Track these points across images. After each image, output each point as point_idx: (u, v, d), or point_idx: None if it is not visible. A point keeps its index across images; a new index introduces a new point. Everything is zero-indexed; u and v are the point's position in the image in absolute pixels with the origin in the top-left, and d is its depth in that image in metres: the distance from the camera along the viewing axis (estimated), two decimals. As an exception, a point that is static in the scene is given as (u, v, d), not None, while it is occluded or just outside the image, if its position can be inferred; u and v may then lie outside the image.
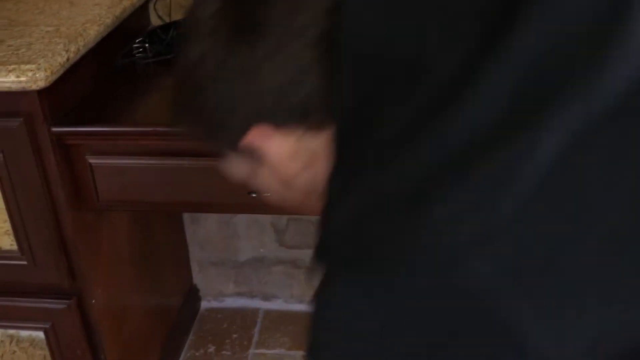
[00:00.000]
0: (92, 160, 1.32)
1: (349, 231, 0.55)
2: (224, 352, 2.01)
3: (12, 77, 1.20)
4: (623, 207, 0.50)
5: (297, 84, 0.58)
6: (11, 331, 1.52)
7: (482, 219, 0.50)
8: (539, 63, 0.49)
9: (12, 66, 1.20)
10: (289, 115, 0.60)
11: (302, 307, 2.06)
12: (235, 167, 0.70)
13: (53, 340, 1.49)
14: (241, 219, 1.95)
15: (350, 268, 0.54)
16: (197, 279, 2.17)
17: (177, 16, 1.66)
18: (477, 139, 0.50)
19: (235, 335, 2.06)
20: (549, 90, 0.49)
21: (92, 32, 1.35)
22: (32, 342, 1.52)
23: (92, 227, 1.46)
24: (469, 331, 0.51)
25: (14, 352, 1.54)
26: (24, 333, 1.52)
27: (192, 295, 2.17)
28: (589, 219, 0.50)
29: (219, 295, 2.17)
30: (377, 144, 0.54)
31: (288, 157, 0.62)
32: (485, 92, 0.50)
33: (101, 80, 1.46)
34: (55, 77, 1.23)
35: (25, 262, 1.39)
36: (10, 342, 1.53)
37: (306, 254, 1.97)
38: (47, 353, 1.52)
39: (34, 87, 1.21)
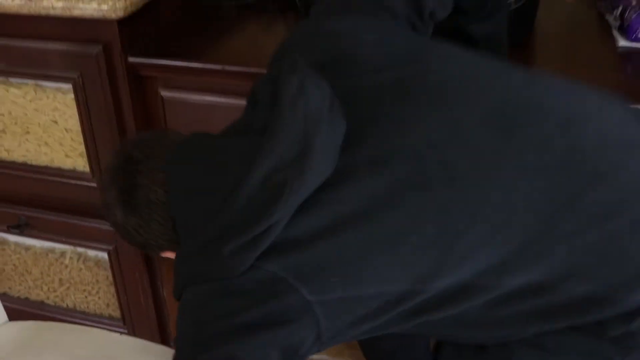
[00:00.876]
0: (165, 94, 1.36)
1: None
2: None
3: (94, 5, 1.24)
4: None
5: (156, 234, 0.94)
6: (80, 250, 1.60)
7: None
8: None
9: (95, -6, 1.25)
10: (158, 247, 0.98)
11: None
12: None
13: (115, 262, 1.56)
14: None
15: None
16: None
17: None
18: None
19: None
20: None
21: (176, -32, 1.38)
22: (97, 262, 1.60)
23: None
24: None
25: (81, 269, 1.63)
26: (91, 253, 1.60)
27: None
28: None
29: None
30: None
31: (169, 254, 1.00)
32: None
33: (183, 16, 1.49)
34: (134, 8, 1.27)
35: (95, 184, 1.46)
36: (78, 260, 1.62)
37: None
38: (110, 274, 1.60)
39: (114, 16, 1.25)
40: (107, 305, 1.66)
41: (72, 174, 1.48)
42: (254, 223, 0.81)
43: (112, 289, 1.62)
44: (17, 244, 1.66)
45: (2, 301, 1.34)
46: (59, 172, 1.49)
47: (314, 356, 0.94)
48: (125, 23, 1.30)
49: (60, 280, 1.67)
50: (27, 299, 1.74)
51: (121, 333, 1.55)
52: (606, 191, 0.85)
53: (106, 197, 0.96)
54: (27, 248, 1.65)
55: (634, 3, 1.26)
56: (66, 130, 1.43)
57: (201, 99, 1.36)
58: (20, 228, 1.59)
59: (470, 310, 0.88)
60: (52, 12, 1.27)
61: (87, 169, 1.46)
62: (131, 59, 1.33)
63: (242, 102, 1.32)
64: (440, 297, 0.86)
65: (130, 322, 1.66)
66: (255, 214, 0.82)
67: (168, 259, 1.01)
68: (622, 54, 1.27)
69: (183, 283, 0.91)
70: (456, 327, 0.95)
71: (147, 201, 0.92)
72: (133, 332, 1.67)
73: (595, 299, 0.86)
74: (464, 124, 0.87)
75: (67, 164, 1.48)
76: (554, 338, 0.94)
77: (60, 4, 1.26)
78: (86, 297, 1.67)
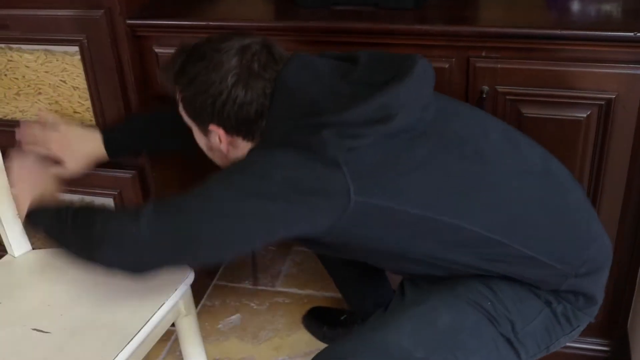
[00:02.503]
0: (158, 50, 1.58)
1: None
2: (269, 247, 2.26)
3: (96, -27, 1.46)
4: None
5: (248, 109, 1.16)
6: (87, 199, 1.80)
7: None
8: None
9: (97, -37, 1.46)
10: (232, 128, 1.19)
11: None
12: (198, 137, 1.26)
13: (119, 207, 1.76)
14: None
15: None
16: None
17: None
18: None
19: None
20: None
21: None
22: (104, 209, 1.80)
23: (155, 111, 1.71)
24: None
25: (89, 217, 1.83)
26: (98, 201, 1.79)
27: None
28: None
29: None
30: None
31: (225, 144, 1.22)
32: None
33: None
34: (131, -25, 1.49)
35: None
36: (86, 208, 1.82)
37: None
38: (115, 219, 1.80)
39: (113, -18, 1.47)
40: (114, 248, 1.86)
41: (80, 127, 1.69)
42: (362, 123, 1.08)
43: (118, 233, 1.82)
44: (30, 199, 1.86)
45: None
46: (68, 127, 1.70)
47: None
48: (123, -11, 1.51)
49: (71, 229, 1.87)
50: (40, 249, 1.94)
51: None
52: (560, 195, 1.23)
53: (224, 64, 1.15)
54: (40, 202, 1.85)
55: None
56: (74, 88, 1.64)
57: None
58: (34, 181, 1.79)
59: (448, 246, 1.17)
60: (60, -18, 1.49)
61: (93, 122, 1.67)
62: (129, 21, 1.54)
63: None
64: (438, 230, 1.14)
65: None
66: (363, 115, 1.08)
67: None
68: (547, -2, 1.51)
69: (270, 142, 1.14)
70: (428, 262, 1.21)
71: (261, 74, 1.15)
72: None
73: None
74: (490, 133, 1.23)
75: (75, 119, 1.68)
76: (499, 281, 1.22)
77: (67, -26, 1.47)
78: (95, 242, 1.87)
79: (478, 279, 1.22)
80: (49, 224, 1.27)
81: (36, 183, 1.36)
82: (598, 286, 1.26)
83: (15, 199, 1.39)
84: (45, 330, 1.25)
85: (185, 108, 1.23)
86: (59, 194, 1.37)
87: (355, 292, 1.77)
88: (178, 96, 1.23)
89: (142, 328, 1.23)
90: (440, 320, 1.19)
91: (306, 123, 1.10)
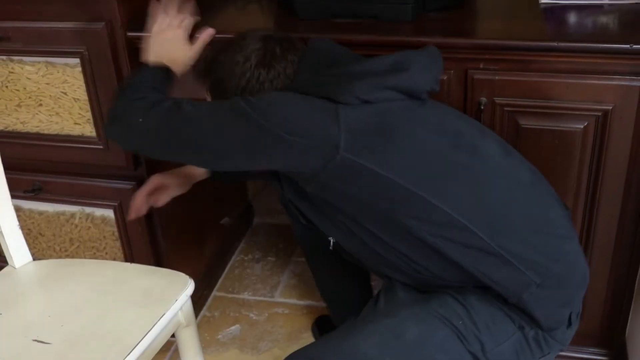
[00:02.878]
0: (159, 62, 1.59)
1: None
2: (268, 258, 2.27)
3: (97, -14, 1.47)
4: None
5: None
6: (88, 210, 1.81)
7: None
8: None
9: (98, -24, 1.47)
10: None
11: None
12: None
13: (120, 218, 1.78)
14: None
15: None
16: (253, 199, 2.44)
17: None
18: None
19: (280, 245, 2.32)
20: None
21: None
22: (104, 220, 1.81)
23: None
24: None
25: (89, 227, 1.84)
26: (98, 212, 1.81)
27: (247, 211, 2.44)
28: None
29: (271, 212, 2.43)
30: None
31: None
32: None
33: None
34: (131, -13, 1.50)
35: (101, 147, 1.68)
36: (87, 219, 1.83)
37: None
38: (115, 230, 1.82)
39: (114, -5, 1.48)
40: (114, 259, 1.87)
41: (81, 139, 1.70)
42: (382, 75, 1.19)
43: (118, 244, 1.83)
44: (30, 210, 1.87)
45: (25, 247, 1.55)
46: (69, 138, 1.71)
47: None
48: (124, 2, 1.52)
49: (71, 239, 1.88)
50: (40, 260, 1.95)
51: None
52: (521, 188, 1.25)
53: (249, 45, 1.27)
54: (40, 213, 1.87)
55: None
56: (75, 99, 1.65)
57: (191, 67, 1.58)
58: (34, 192, 1.80)
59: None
60: (62, -6, 1.50)
61: (93, 133, 1.68)
62: (130, 34, 1.55)
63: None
64: (415, 205, 1.17)
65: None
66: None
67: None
68: (545, 9, 1.52)
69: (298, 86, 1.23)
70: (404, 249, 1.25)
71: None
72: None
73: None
74: (486, 137, 1.28)
75: (75, 130, 1.69)
76: (475, 300, 1.25)
77: (69, -14, 1.49)
78: (94, 253, 1.88)
79: (453, 296, 1.25)
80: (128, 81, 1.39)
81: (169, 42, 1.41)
82: (566, 308, 1.28)
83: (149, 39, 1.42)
84: (46, 341, 1.25)
85: (211, 91, 1.32)
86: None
87: (339, 303, 1.80)
88: (206, 86, 1.33)
89: (142, 339, 1.23)
90: (408, 333, 1.22)
91: (330, 72, 1.23)
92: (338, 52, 1.30)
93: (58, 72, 1.63)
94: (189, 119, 1.20)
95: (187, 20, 1.43)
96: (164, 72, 1.36)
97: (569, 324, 1.29)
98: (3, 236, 1.44)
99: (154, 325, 1.26)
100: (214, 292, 2.15)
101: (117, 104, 1.30)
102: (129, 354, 1.20)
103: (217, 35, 1.52)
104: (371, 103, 1.17)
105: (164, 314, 1.28)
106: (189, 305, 1.36)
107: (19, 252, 1.47)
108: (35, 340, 1.25)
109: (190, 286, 1.35)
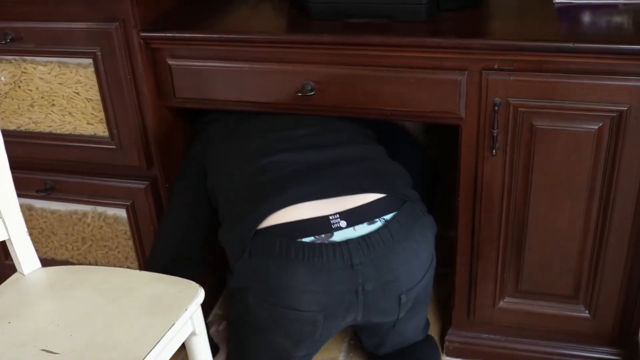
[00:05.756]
0: (171, 62, 1.59)
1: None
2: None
3: (111, -14, 1.47)
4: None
5: None
6: (100, 209, 1.82)
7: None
8: None
9: (112, -24, 1.47)
10: None
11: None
12: None
13: (132, 217, 1.78)
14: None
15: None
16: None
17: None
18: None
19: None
20: None
21: (178, -45, 1.60)
22: (116, 219, 1.82)
23: (167, 123, 1.73)
24: None
25: (101, 227, 1.84)
26: (110, 211, 1.81)
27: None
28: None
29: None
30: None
31: None
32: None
33: (183, -3, 1.72)
34: (144, -12, 1.50)
35: (114, 147, 1.69)
36: (99, 218, 1.83)
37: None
38: (128, 229, 1.82)
39: (128, -5, 1.48)
40: (126, 258, 1.88)
41: (93, 138, 1.70)
42: None
43: (130, 243, 1.84)
44: (43, 209, 1.88)
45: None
46: (81, 138, 1.71)
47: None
48: (138, 1, 1.52)
49: (83, 238, 1.89)
50: (52, 259, 1.95)
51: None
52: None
53: None
54: (52, 212, 1.87)
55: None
56: (87, 100, 1.65)
57: (202, 65, 1.58)
58: (47, 191, 1.80)
59: None
60: (76, -5, 1.50)
61: (106, 133, 1.68)
62: (143, 34, 1.55)
63: (237, 65, 1.56)
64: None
65: (146, 274, 1.87)
66: None
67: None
68: (559, 8, 1.51)
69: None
70: None
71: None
72: (149, 283, 1.87)
73: None
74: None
75: (88, 130, 1.69)
76: None
77: (83, -13, 1.48)
78: (107, 252, 1.89)
79: None
80: None
81: None
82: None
83: None
84: (55, 351, 1.23)
85: None
86: None
87: None
88: None
89: (152, 349, 1.21)
90: None
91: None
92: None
93: (71, 72, 1.63)
94: None
95: None
96: None
97: None
98: (12, 243, 1.42)
99: (163, 336, 1.23)
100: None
101: None
102: (138, 365, 1.18)
103: (228, 35, 1.53)
104: None
105: (174, 323, 1.26)
106: (199, 314, 1.35)
107: (27, 259, 1.44)
108: (44, 350, 1.23)
109: (200, 295, 1.33)
